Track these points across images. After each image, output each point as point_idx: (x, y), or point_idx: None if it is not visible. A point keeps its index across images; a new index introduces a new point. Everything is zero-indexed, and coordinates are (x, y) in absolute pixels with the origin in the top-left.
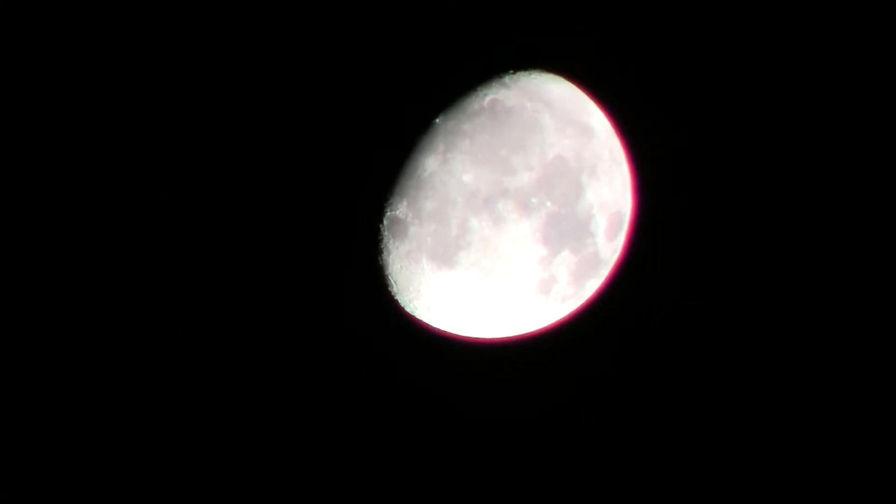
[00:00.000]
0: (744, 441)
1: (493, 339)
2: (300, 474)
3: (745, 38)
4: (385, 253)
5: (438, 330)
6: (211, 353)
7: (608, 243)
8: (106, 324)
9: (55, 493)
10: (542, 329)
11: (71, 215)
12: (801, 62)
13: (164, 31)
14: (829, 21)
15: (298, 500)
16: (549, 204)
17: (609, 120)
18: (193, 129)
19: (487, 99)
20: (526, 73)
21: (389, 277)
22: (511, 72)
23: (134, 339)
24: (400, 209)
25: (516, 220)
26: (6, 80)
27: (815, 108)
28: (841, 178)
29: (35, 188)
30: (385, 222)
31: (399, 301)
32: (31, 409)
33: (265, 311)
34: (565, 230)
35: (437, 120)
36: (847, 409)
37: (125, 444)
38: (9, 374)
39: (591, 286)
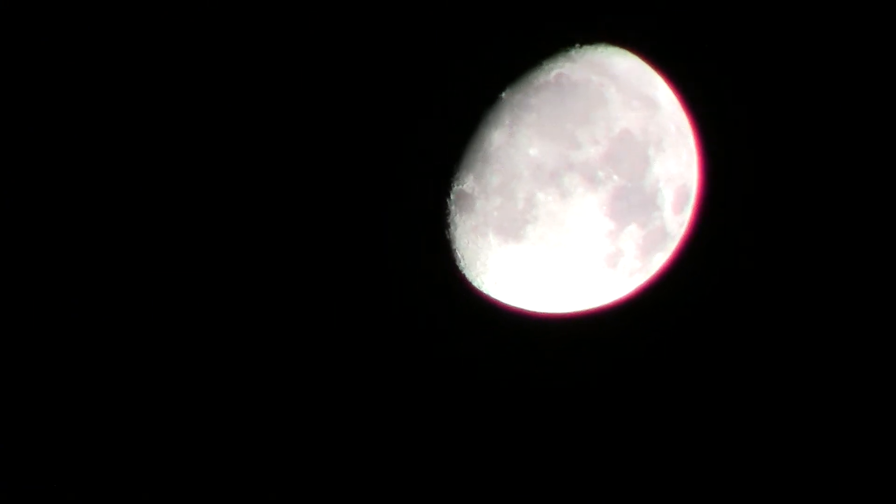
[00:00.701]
0: (811, 425)
1: (561, 313)
2: (365, 445)
3: (814, 9)
4: (452, 227)
5: (505, 304)
6: (276, 324)
7: (675, 217)
8: (127, 320)
9: (55, 493)
10: (609, 303)
11: (69, 215)
12: (872, 39)
13: (168, 28)
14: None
15: (355, 467)
16: (615, 177)
17: (675, 93)
18: (242, 106)
19: (553, 73)
20: (591, 46)
21: (456, 252)
22: (577, 45)
23: (165, 331)
24: (466, 183)
25: (582, 194)
26: (6, 80)
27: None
28: None
29: (35, 188)
30: (452, 197)
31: (466, 276)
32: (32, 409)
33: (330, 288)
34: (632, 204)
35: (504, 94)
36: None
37: (144, 441)
38: (9, 374)
39: (658, 260)
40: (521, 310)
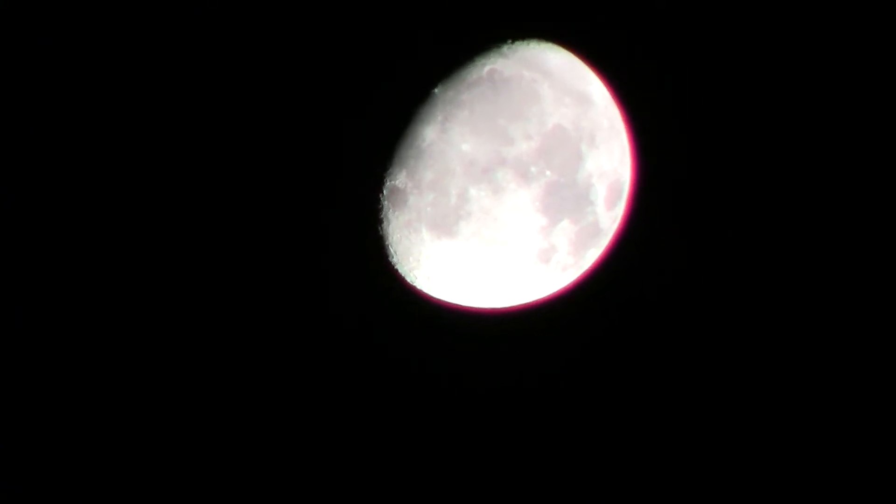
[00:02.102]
0: (738, 417)
1: (493, 308)
2: (300, 442)
3: (745, 4)
4: (385, 223)
5: (438, 300)
6: (210, 331)
7: (608, 212)
8: (112, 319)
9: (53, 493)
10: (542, 298)
11: (61, 213)
12: (801, 32)
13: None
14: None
15: (297, 471)
16: (548, 173)
17: (608, 88)
18: (180, 106)
19: (486, 69)
20: (524, 42)
21: (389, 247)
22: (509, 41)
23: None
24: (399, 179)
25: (515, 190)
26: (6, 80)
27: (816, 77)
28: (842, 148)
29: (32, 187)
30: (384, 192)
31: (399, 271)
32: (23, 410)
33: (261, 285)
34: (565, 199)
35: (436, 90)
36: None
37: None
38: (8, 374)
39: (591, 255)
40: (455, 305)
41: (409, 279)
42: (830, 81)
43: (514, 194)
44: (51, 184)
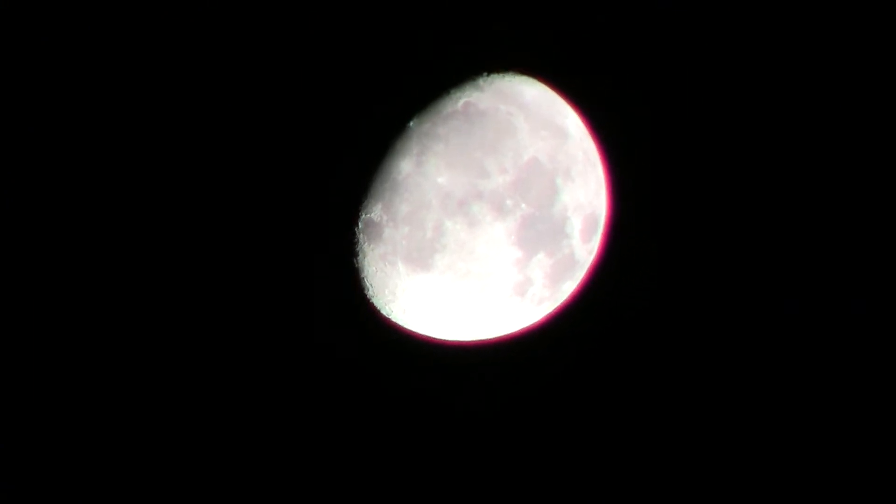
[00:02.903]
0: (716, 444)
1: (469, 341)
2: (274, 480)
3: (720, 38)
4: (360, 256)
5: (414, 332)
6: (184, 355)
7: (583, 245)
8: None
9: (53, 493)
10: (517, 331)
11: (60, 213)
12: (778, 64)
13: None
14: (804, 21)
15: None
16: (523, 206)
17: (583, 121)
18: (161, 135)
19: (461, 102)
20: (499, 75)
21: (364, 280)
22: (484, 74)
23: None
24: (375, 212)
25: (491, 223)
26: (6, 80)
27: (794, 112)
28: (819, 181)
29: (31, 186)
30: (360, 225)
31: (374, 304)
32: (21, 410)
33: (236, 316)
34: (540, 232)
35: (411, 123)
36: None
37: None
38: (8, 374)
39: (567, 288)
40: (430, 338)
41: (384, 312)
42: (808, 117)
43: (490, 227)
44: (50, 183)
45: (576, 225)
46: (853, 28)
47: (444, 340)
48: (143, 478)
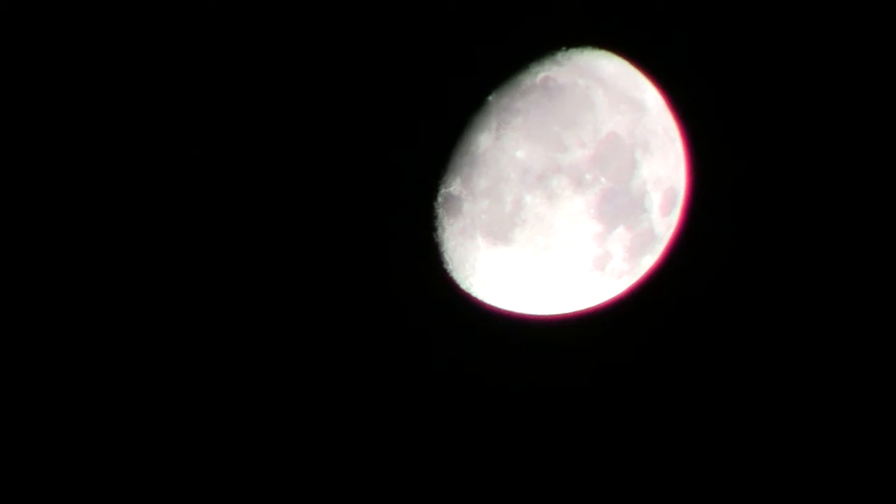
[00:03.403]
0: (797, 423)
1: (549, 315)
2: (349, 451)
3: (805, 13)
4: (440, 230)
5: (493, 307)
6: (264, 334)
7: (663, 219)
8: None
9: (54, 494)
10: (597, 305)
11: (70, 216)
12: (859, 41)
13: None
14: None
15: (349, 470)
16: (602, 180)
17: (662, 96)
18: (232, 106)
19: (540, 76)
20: (578, 49)
21: (444, 255)
22: (564, 49)
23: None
24: (454, 186)
25: (570, 197)
26: (6, 80)
27: (873, 83)
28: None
29: (36, 189)
30: (439, 200)
31: (454, 278)
32: (32, 410)
33: (316, 292)
34: (620, 206)
35: (490, 97)
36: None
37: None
38: (9, 374)
39: (647, 262)
40: (510, 312)
41: (464, 286)
42: (886, 90)
43: (569, 201)
44: (62, 185)
45: (655, 199)
46: None
47: (524, 315)
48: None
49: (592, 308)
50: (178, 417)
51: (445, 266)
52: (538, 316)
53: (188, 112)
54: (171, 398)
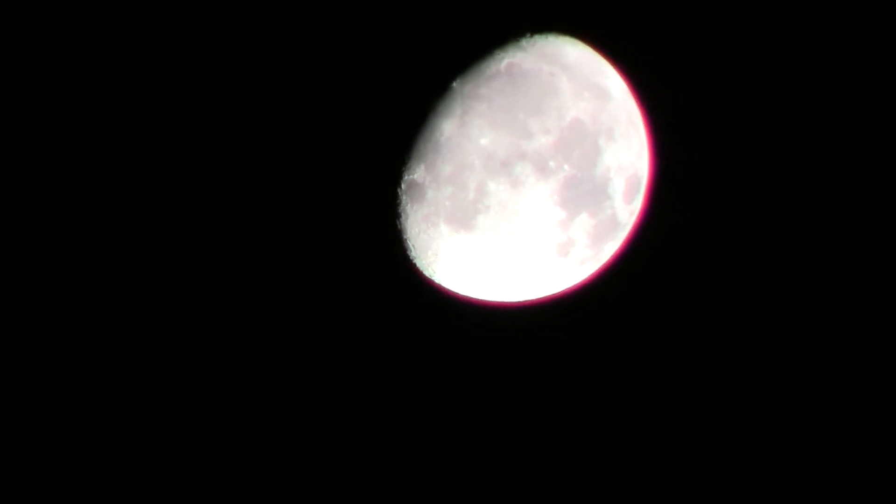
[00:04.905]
0: (759, 406)
1: (512, 302)
2: (319, 438)
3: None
4: (403, 217)
5: (456, 293)
6: (228, 325)
7: (626, 206)
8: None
9: (55, 494)
10: (560, 292)
11: (68, 215)
12: (822, 30)
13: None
14: None
15: (315, 459)
16: (566, 167)
17: (626, 82)
18: (194, 103)
19: (504, 62)
20: (542, 36)
21: (407, 241)
22: (528, 35)
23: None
24: (418, 173)
25: (534, 184)
26: (6, 80)
27: (838, 81)
28: (864, 155)
29: (35, 189)
30: (403, 186)
31: (417, 265)
32: (33, 410)
33: (280, 278)
34: (583, 193)
35: (454, 84)
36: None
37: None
38: (9, 375)
39: (610, 249)
40: (473, 299)
41: (427, 273)
42: (845, 78)
43: (533, 188)
44: (66, 185)
45: (618, 186)
46: None
47: (487, 301)
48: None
49: (555, 294)
50: (147, 413)
51: (409, 253)
52: (502, 303)
53: (146, 109)
54: (138, 393)
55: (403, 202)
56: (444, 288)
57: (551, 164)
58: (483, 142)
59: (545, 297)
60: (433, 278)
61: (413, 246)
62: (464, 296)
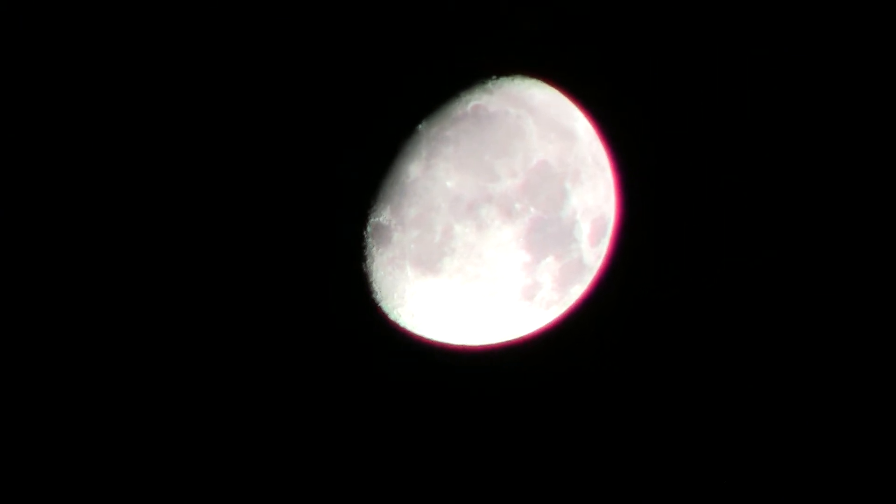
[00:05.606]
0: (728, 448)
1: (478, 345)
2: (277, 483)
3: (727, 41)
4: (369, 260)
5: (422, 337)
6: (194, 359)
7: (592, 249)
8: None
9: (55, 494)
10: (526, 335)
11: (64, 214)
12: (788, 68)
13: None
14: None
15: None
16: (532, 210)
17: (592, 125)
18: (166, 142)
19: (470, 105)
20: (509, 78)
21: (373, 284)
22: (494, 77)
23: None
24: (383, 216)
25: (500, 226)
26: (6, 80)
27: (803, 115)
28: (826, 183)
29: (31, 188)
30: (369, 229)
31: (383, 308)
32: (31, 410)
33: (242, 320)
34: (549, 236)
35: (421, 126)
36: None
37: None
38: (9, 375)
39: (576, 292)
40: (438, 342)
41: (392, 316)
42: (815, 120)
43: (499, 231)
44: (61, 185)
45: (584, 229)
46: (856, 28)
47: (452, 345)
48: (142, 480)
49: (521, 338)
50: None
51: (374, 296)
52: (467, 346)
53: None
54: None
55: (369, 245)
56: (409, 331)
57: (517, 206)
58: (449, 184)
59: (511, 341)
60: (398, 321)
61: (379, 289)
62: (429, 339)
